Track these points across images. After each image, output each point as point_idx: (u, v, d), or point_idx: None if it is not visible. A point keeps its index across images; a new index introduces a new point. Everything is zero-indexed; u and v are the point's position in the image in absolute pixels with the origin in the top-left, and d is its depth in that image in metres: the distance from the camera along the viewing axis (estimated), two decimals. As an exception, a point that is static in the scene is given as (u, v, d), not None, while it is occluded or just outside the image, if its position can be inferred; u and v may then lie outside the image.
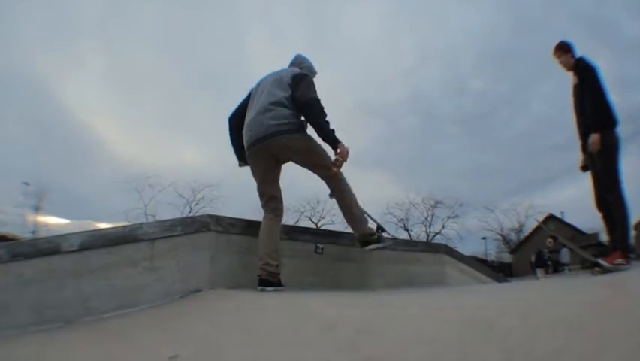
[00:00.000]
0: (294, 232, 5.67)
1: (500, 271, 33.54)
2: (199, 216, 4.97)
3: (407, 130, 75.51)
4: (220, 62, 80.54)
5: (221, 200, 53.70)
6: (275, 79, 5.21)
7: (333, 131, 4.78)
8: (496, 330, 2.02)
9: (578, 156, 6.45)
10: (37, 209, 48.82)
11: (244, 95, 5.56)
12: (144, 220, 40.47)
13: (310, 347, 2.36)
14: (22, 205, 47.39)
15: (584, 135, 6.13)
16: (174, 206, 52.14)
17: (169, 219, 4.84)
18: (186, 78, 78.84)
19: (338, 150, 4.76)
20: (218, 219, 5.04)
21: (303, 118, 5.07)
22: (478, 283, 8.36)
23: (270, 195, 5.17)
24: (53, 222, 51.19)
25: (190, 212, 50.33)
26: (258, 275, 4.71)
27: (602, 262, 5.53)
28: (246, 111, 5.37)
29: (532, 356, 1.71)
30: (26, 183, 47.25)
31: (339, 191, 5.21)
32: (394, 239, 6.11)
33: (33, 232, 43.66)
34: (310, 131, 5.08)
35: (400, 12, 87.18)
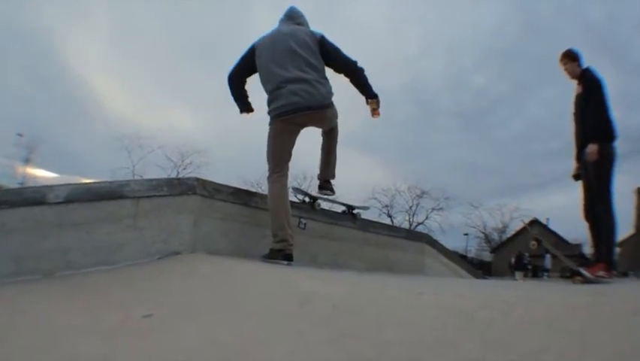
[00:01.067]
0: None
1: (479, 269, 33.76)
2: (186, 178, 4.89)
3: (402, 117, 75.27)
4: (221, 31, 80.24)
5: (209, 167, 53.63)
6: (297, 41, 5.15)
7: (370, 85, 5.35)
8: (476, 321, 2.02)
9: (572, 165, 6.46)
10: (27, 161, 48.52)
11: (244, 51, 5.41)
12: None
13: (286, 318, 2.35)
14: (13, 156, 47.11)
15: (581, 145, 6.13)
16: (162, 169, 52.04)
17: (156, 179, 4.80)
18: (186, 44, 78.44)
19: (374, 100, 5.33)
20: (204, 183, 4.99)
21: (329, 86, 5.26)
22: (457, 277, 8.38)
23: (286, 161, 5.24)
24: (42, 175, 50.97)
25: (177, 176, 50.25)
26: (281, 250, 4.82)
27: (584, 271, 5.46)
28: (246, 68, 5.38)
29: (511, 350, 1.70)
30: (20, 135, 46.90)
31: (334, 138, 5.71)
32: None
33: (21, 184, 43.45)
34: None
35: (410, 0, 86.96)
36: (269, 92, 5.14)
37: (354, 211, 6.62)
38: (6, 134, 48.15)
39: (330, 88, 5.22)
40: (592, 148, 5.80)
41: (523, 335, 1.83)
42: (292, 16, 5.59)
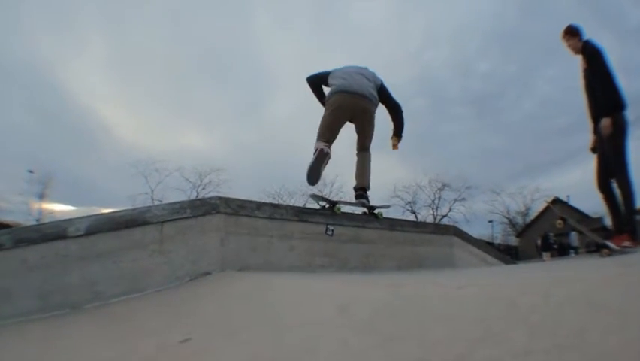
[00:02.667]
0: (304, 214, 5.63)
1: (507, 255, 33.58)
2: (208, 198, 4.89)
3: (414, 112, 75.12)
4: (225, 46, 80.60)
5: (228, 184, 53.79)
6: (361, 72, 7.06)
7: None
8: (518, 308, 1.97)
9: (590, 138, 6.43)
10: (41, 196, 48.78)
11: (325, 70, 7.31)
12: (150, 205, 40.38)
13: (327, 327, 2.30)
14: (26, 193, 47.35)
15: (596, 118, 6.12)
16: (181, 191, 52.21)
17: (177, 202, 4.80)
18: (191, 61, 78.71)
19: (400, 140, 7.14)
20: (227, 201, 4.97)
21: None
22: (487, 266, 8.32)
23: (329, 138, 6.66)
24: (58, 209, 51.24)
25: (197, 196, 50.35)
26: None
27: (610, 243, 5.50)
28: (323, 79, 7.26)
29: (558, 333, 1.66)
30: (30, 171, 47.14)
31: (367, 150, 6.97)
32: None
33: (38, 220, 43.60)
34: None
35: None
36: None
37: (375, 211, 6.72)
38: (17, 171, 48.49)
39: (376, 94, 6.94)
40: (605, 122, 5.81)
41: (565, 316, 1.78)
42: (368, 72, 7.27)
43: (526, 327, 1.76)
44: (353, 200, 6.61)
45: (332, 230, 5.71)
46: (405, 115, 7.21)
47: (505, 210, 66.26)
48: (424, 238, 7.33)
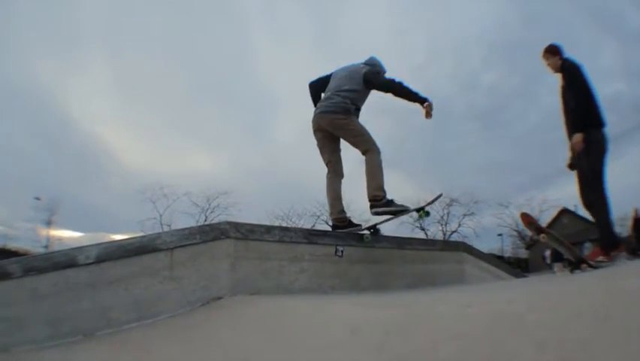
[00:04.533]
0: (313, 236, 5.65)
1: (517, 267, 33.41)
2: (217, 224, 4.93)
3: (418, 128, 75.29)
4: (226, 67, 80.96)
5: (237, 207, 53.81)
6: (346, 73, 6.96)
7: (415, 93, 6.30)
8: (526, 324, 2.00)
9: (567, 155, 6.53)
10: (49, 223, 48.92)
11: (327, 73, 7.29)
12: (160, 230, 40.49)
13: (339, 349, 2.33)
14: (34, 220, 47.45)
15: (570, 135, 6.21)
16: (189, 215, 52.25)
17: (187, 228, 4.84)
18: (193, 84, 79.08)
19: (425, 104, 6.24)
20: (237, 226, 5.01)
21: (349, 104, 6.69)
22: (497, 280, 8.32)
23: (327, 161, 6.86)
24: (67, 235, 51.36)
25: (205, 220, 50.35)
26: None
27: (587, 259, 5.74)
28: (323, 83, 7.16)
29: (564, 346, 1.69)
30: (37, 198, 47.27)
31: (368, 153, 6.52)
32: (405, 208, 6.39)
33: (46, 247, 43.73)
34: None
35: (408, 8, 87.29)
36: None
37: (363, 233, 6.59)
38: (23, 198, 48.55)
39: (339, 100, 6.69)
40: (576, 138, 5.98)
41: (572, 329, 1.81)
42: (369, 62, 7.22)
43: (534, 342, 1.79)
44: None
45: (342, 251, 5.73)
46: (406, 83, 6.47)
47: (514, 223, 66.11)
48: (434, 256, 7.33)
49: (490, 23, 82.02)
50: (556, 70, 6.43)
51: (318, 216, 58.01)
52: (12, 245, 38.71)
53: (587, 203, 6.09)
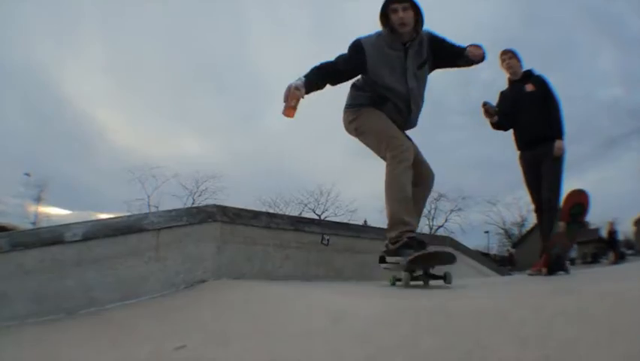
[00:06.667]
0: (300, 223, 5.65)
1: (503, 265, 33.64)
2: (205, 206, 4.92)
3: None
4: (221, 54, 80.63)
5: (225, 191, 53.57)
6: None
7: (308, 74, 4.41)
8: (509, 321, 2.01)
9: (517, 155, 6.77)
10: (38, 200, 48.70)
11: None
12: (147, 211, 40.61)
13: (321, 338, 2.33)
14: (23, 196, 47.27)
15: (535, 138, 6.36)
16: (177, 197, 52.07)
17: (174, 209, 4.84)
18: (187, 69, 78.80)
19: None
20: (224, 210, 5.01)
21: (358, 94, 5.01)
22: (483, 277, 8.36)
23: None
24: (55, 212, 51.16)
25: (193, 203, 50.21)
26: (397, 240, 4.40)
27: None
28: None
29: (547, 344, 1.69)
30: (27, 175, 47.03)
31: (387, 165, 4.61)
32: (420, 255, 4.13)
33: (34, 223, 43.54)
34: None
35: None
36: None
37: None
38: (13, 174, 48.28)
39: (349, 96, 5.08)
40: (560, 144, 6.09)
41: (556, 328, 1.81)
42: None
43: (517, 339, 1.80)
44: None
45: (328, 240, 5.71)
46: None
47: (501, 221, 66.42)
48: None
49: (489, 21, 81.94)
50: (515, 71, 6.63)
51: (305, 205, 57.98)
52: (1, 221, 38.53)
53: (547, 207, 6.11)
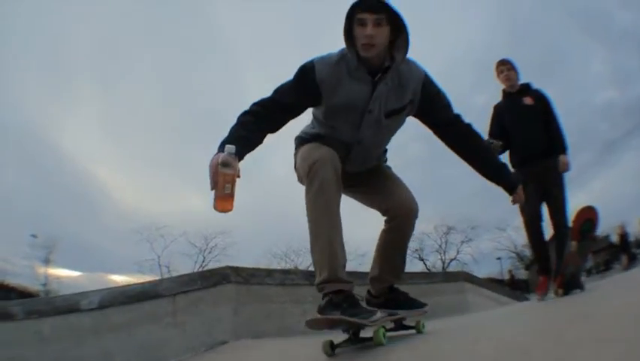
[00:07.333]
0: (314, 277, 5.58)
1: (517, 289, 33.42)
2: (218, 269, 4.96)
3: (413, 157, 75.27)
4: (218, 103, 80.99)
5: (235, 247, 53.25)
6: None
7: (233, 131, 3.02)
8: (532, 355, 1.97)
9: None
10: (47, 261, 48.42)
11: None
12: (158, 271, 40.60)
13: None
14: (31, 257, 47.05)
15: (534, 154, 6.12)
16: (187, 256, 51.78)
17: (188, 274, 4.89)
18: (185, 119, 78.93)
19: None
20: (237, 270, 5.03)
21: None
22: (499, 306, 8.33)
23: None
24: (64, 274, 50.86)
25: (203, 261, 49.90)
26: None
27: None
28: None
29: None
30: (34, 236, 46.81)
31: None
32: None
33: (44, 285, 43.28)
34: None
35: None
36: None
37: None
38: (19, 234, 48.02)
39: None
40: (565, 159, 5.97)
41: (578, 356, 1.76)
42: None
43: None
44: None
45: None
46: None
47: (511, 245, 65.99)
48: (436, 288, 7.30)
49: (478, 42, 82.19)
50: (512, 84, 6.38)
51: None
52: (11, 281, 38.44)
53: (558, 229, 5.93)
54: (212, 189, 2.64)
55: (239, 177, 2.68)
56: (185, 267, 43.77)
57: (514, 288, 31.95)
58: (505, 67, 6.37)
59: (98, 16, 67.48)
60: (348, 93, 3.12)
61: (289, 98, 3.14)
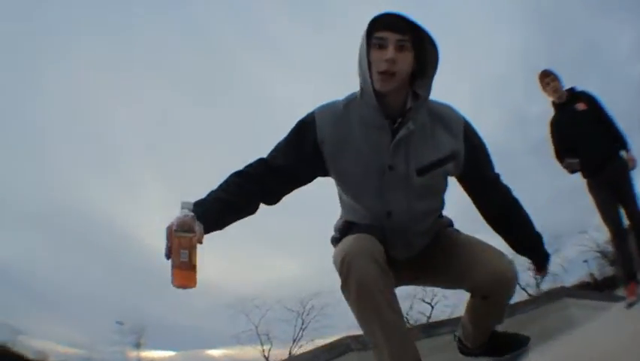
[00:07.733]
0: (431, 328, 5.60)
1: (606, 286, 32.53)
2: (339, 340, 5.14)
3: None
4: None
5: (331, 307, 52.60)
6: None
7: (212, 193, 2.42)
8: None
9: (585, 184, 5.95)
10: (138, 346, 48.59)
11: None
12: (258, 341, 40.65)
13: None
14: (119, 343, 47.26)
15: (602, 160, 5.74)
16: (285, 321, 51.39)
17: (311, 351, 5.01)
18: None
19: None
20: (357, 338, 5.10)
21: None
22: (600, 313, 8.29)
23: None
24: (158, 356, 50.84)
25: (302, 323, 49.52)
26: None
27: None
28: None
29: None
30: (120, 323, 47.12)
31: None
32: None
33: (138, 370, 43.73)
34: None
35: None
36: None
37: None
38: (103, 325, 48.13)
39: None
40: (632, 156, 5.69)
41: None
42: None
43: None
44: None
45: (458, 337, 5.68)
46: None
47: (594, 244, 64.29)
48: (539, 313, 7.34)
49: (519, 49, 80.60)
50: (560, 95, 6.01)
51: (414, 296, 56.61)
52: (101, 368, 38.95)
53: (637, 226, 5.62)
54: (166, 256, 2.02)
55: (200, 242, 2.05)
56: (284, 333, 43.65)
57: (599, 290, 31.02)
58: (550, 78, 5.99)
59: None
60: (360, 146, 2.30)
61: (283, 160, 2.37)
